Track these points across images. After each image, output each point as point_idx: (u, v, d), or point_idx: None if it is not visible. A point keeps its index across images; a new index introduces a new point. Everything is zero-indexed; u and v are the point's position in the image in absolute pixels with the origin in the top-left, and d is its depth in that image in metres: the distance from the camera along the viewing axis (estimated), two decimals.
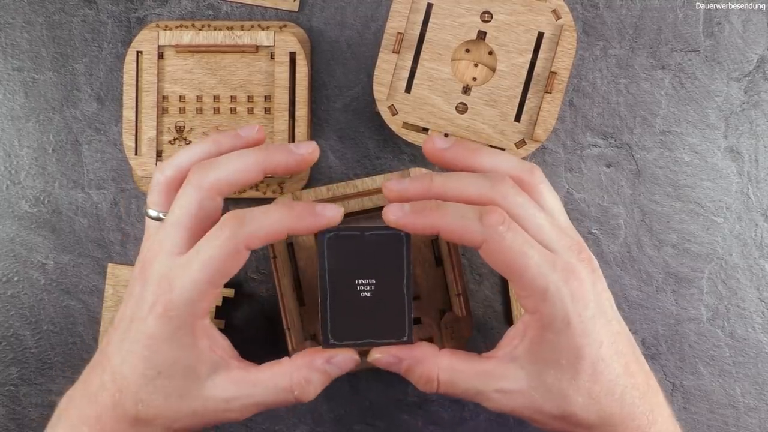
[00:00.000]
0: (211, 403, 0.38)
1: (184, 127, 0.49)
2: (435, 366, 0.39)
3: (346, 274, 0.39)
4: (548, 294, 0.37)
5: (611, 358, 0.38)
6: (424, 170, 0.45)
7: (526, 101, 0.47)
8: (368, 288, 0.39)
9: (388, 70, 0.47)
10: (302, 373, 0.39)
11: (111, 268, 0.51)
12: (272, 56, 0.49)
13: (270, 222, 0.38)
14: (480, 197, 0.38)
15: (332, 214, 0.39)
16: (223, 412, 0.39)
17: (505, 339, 0.40)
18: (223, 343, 0.40)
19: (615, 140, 0.51)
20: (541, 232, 0.38)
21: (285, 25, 0.50)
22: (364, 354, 0.40)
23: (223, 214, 0.39)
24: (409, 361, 0.39)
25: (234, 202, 0.51)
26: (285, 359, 0.40)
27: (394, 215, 0.38)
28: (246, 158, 0.40)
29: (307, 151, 0.41)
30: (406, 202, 0.38)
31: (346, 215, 0.46)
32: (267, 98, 0.49)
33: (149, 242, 0.41)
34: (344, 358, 0.40)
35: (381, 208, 0.46)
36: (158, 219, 0.41)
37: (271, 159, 0.40)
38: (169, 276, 0.38)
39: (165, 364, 0.38)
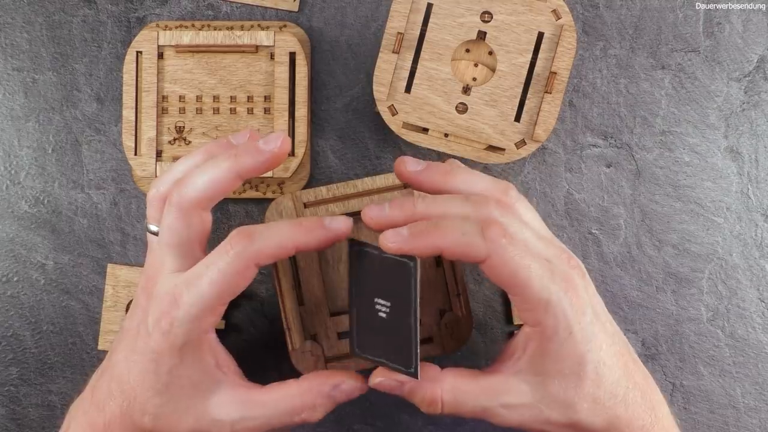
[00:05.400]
0: (217, 425, 0.38)
1: (184, 127, 0.49)
2: (438, 387, 0.38)
3: (367, 290, 0.39)
4: (551, 306, 0.36)
5: (611, 360, 0.38)
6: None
7: (526, 101, 0.47)
8: (384, 309, 0.39)
9: (388, 70, 0.47)
10: (310, 397, 0.39)
11: (111, 268, 0.51)
12: (272, 56, 0.49)
13: (279, 237, 0.37)
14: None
15: (338, 226, 0.38)
16: None
17: (505, 352, 0.40)
18: (227, 360, 0.40)
19: (615, 140, 0.51)
20: (530, 246, 0.37)
21: (285, 25, 0.50)
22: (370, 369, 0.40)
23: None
24: (411, 384, 0.39)
25: (234, 202, 0.51)
26: (292, 381, 0.40)
27: (392, 242, 0.37)
28: (218, 168, 0.39)
29: (276, 145, 0.39)
30: (400, 228, 0.37)
31: (346, 215, 0.46)
32: (267, 98, 0.49)
33: (151, 257, 0.41)
34: (352, 387, 0.40)
35: None
36: (158, 234, 0.41)
37: (243, 163, 0.39)
38: (174, 293, 0.37)
39: (171, 379, 0.38)
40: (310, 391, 0.39)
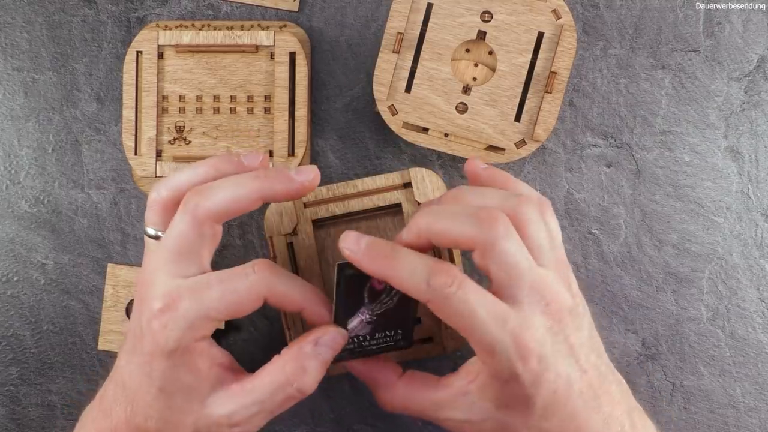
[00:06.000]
0: (214, 421, 0.38)
1: (184, 127, 0.49)
2: (390, 394, 0.41)
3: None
4: (495, 351, 0.36)
5: (569, 398, 0.37)
6: (424, 170, 0.45)
7: (526, 101, 0.47)
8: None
9: (388, 70, 0.47)
10: (294, 362, 0.39)
11: (111, 268, 0.51)
12: (272, 56, 0.49)
13: (296, 293, 0.39)
14: (472, 241, 0.36)
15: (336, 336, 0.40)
16: (228, 427, 0.38)
17: (463, 368, 0.40)
18: (221, 358, 0.40)
19: (615, 140, 0.51)
20: (515, 279, 0.36)
21: (285, 25, 0.50)
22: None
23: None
24: (370, 380, 0.41)
25: None
26: (275, 357, 0.39)
27: (347, 247, 0.38)
28: (243, 186, 0.39)
29: (308, 178, 0.40)
30: (362, 238, 0.38)
31: (346, 215, 0.46)
32: (267, 98, 0.49)
33: (148, 259, 0.40)
34: (333, 336, 0.39)
35: (381, 209, 0.46)
36: (156, 237, 0.40)
37: (270, 187, 0.39)
38: (172, 295, 0.37)
39: (164, 382, 0.38)
40: (294, 357, 0.39)
